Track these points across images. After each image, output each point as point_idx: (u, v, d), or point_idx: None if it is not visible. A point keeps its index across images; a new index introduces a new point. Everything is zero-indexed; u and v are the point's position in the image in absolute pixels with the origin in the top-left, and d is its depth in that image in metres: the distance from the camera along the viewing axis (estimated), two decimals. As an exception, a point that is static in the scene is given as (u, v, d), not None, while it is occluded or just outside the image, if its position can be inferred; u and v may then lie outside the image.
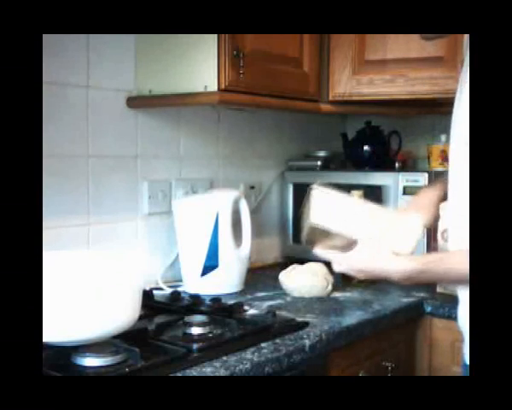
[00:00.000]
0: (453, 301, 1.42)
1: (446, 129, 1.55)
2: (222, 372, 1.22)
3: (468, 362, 1.33)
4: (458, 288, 1.33)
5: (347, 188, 1.98)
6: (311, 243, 1.43)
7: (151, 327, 1.42)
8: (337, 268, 1.37)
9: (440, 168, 2.11)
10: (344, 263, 1.35)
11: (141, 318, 1.33)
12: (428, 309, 1.80)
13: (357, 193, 1.85)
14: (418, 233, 1.34)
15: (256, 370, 1.28)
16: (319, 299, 1.79)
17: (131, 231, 1.89)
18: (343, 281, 1.97)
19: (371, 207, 1.40)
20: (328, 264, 1.86)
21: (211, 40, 1.64)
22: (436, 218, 1.46)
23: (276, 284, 1.88)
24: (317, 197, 1.38)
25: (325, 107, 2.03)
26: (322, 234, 1.36)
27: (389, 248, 1.30)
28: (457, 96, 1.45)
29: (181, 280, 1.90)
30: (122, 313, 1.24)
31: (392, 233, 1.33)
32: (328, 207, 1.38)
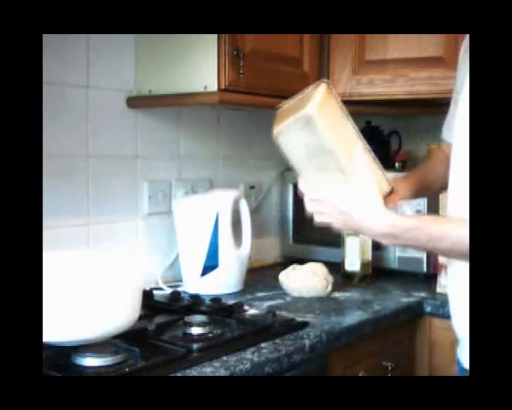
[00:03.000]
0: (449, 300, 1.42)
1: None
2: (222, 372, 1.22)
3: (462, 362, 1.33)
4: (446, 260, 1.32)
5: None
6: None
7: (151, 327, 1.42)
8: (308, 201, 1.26)
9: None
10: (320, 194, 1.25)
11: (141, 318, 1.33)
12: (428, 309, 1.80)
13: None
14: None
15: (256, 370, 1.28)
16: (319, 299, 1.79)
17: (131, 231, 1.89)
18: (343, 281, 1.97)
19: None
20: (327, 264, 1.87)
21: (211, 40, 1.64)
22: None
23: (276, 284, 1.88)
24: (325, 93, 1.25)
25: (325, 107, 2.03)
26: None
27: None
28: (455, 94, 1.46)
29: (181, 280, 1.90)
30: (122, 313, 1.24)
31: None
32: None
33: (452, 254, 1.25)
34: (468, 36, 1.36)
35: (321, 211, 1.25)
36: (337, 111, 1.30)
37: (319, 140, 1.24)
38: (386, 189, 1.29)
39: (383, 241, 1.26)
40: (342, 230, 1.34)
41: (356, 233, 1.36)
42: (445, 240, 1.21)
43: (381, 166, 1.32)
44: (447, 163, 1.37)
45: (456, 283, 1.33)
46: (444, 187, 1.40)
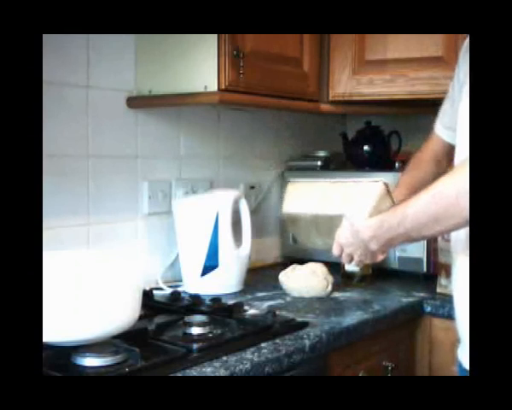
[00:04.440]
0: (453, 301, 1.41)
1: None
2: (222, 372, 1.22)
3: (462, 363, 1.33)
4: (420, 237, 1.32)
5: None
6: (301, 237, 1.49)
7: (151, 327, 1.42)
8: (335, 253, 1.39)
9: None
10: (336, 245, 1.37)
11: (141, 318, 1.33)
12: (428, 309, 1.80)
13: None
14: (373, 199, 1.33)
15: (256, 370, 1.28)
16: (319, 299, 1.79)
17: (131, 231, 1.89)
18: (343, 281, 1.97)
19: (345, 183, 1.43)
20: (327, 264, 1.87)
21: (211, 40, 1.64)
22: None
23: (276, 284, 1.88)
24: (288, 189, 1.46)
25: (325, 107, 2.03)
26: (307, 225, 1.42)
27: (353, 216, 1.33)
28: (451, 90, 1.46)
29: (181, 280, 1.90)
30: (122, 313, 1.24)
31: (353, 203, 1.35)
32: (300, 194, 1.44)
33: (427, 220, 1.22)
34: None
35: (347, 254, 1.38)
36: (302, 192, 1.48)
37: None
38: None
39: (375, 246, 1.31)
40: (366, 257, 1.39)
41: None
42: (409, 216, 1.23)
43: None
44: (435, 158, 1.40)
45: (459, 282, 1.33)
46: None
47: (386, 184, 1.38)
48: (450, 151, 1.46)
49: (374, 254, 1.35)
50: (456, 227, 1.22)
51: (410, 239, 1.31)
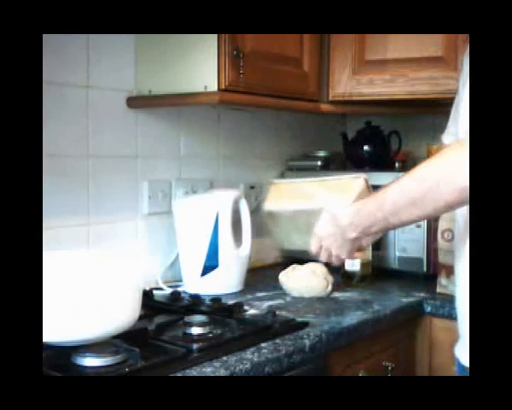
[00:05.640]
0: (453, 301, 1.42)
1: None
2: (222, 372, 1.22)
3: (461, 359, 1.33)
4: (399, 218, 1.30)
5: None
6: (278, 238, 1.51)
7: (151, 327, 1.42)
8: (313, 248, 1.38)
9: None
10: (314, 239, 1.37)
11: (141, 318, 1.33)
12: (428, 309, 1.80)
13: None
14: (352, 194, 1.35)
15: (256, 370, 1.28)
16: (319, 299, 1.79)
17: (131, 231, 1.89)
18: (343, 281, 1.97)
19: (326, 181, 1.45)
20: (327, 264, 1.87)
21: (211, 40, 1.64)
22: None
23: (276, 284, 1.88)
24: (270, 189, 1.49)
25: (325, 107, 2.03)
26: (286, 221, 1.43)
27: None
28: (457, 97, 1.46)
29: (181, 280, 1.90)
30: (122, 313, 1.24)
31: (332, 198, 1.37)
32: (281, 194, 1.47)
33: (406, 204, 1.22)
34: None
35: (324, 248, 1.38)
36: (284, 190, 1.51)
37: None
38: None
39: (353, 234, 1.31)
40: (343, 249, 1.38)
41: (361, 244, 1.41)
42: (387, 200, 1.24)
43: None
44: None
45: (461, 279, 1.33)
46: None
47: (366, 180, 1.39)
48: None
49: (351, 246, 1.34)
50: (435, 213, 1.21)
51: (390, 225, 1.30)
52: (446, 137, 1.54)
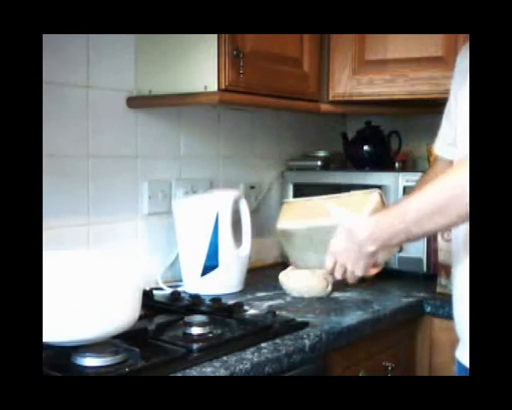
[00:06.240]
0: (452, 300, 1.42)
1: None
2: (222, 372, 1.22)
3: (462, 361, 1.33)
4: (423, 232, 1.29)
5: (347, 188, 1.99)
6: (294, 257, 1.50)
7: (151, 327, 1.42)
8: (328, 265, 1.37)
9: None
10: (329, 256, 1.36)
11: (141, 318, 1.33)
12: (428, 309, 1.80)
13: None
14: (368, 208, 1.35)
15: (256, 370, 1.28)
16: (319, 299, 1.79)
17: (131, 231, 1.89)
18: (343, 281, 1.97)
19: (339, 197, 1.45)
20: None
21: (211, 40, 1.64)
22: None
23: (276, 284, 1.88)
24: (283, 208, 1.48)
25: (325, 107, 2.03)
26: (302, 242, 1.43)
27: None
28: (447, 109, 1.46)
29: (181, 280, 1.90)
30: (122, 313, 1.24)
31: (350, 211, 1.36)
32: (294, 212, 1.46)
33: (429, 218, 1.21)
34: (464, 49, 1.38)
35: (340, 264, 1.36)
36: (296, 209, 1.51)
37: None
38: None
39: (372, 247, 1.29)
40: (359, 265, 1.36)
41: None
42: (410, 210, 1.22)
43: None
44: None
45: (459, 281, 1.33)
46: None
47: (380, 194, 1.38)
48: None
49: (367, 261, 1.32)
50: (458, 220, 1.20)
51: (411, 236, 1.27)
52: (438, 147, 1.54)
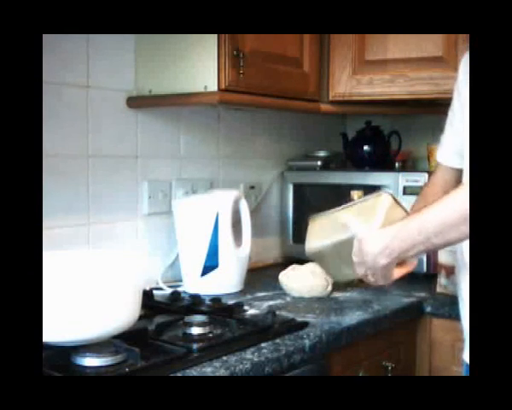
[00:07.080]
0: (453, 301, 1.42)
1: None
2: (222, 372, 1.22)
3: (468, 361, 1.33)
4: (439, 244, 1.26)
5: (347, 188, 1.99)
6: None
7: (151, 327, 1.42)
8: (360, 275, 1.36)
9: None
10: (356, 267, 1.35)
11: (141, 318, 1.33)
12: (428, 309, 1.80)
13: (357, 193, 1.87)
14: (382, 211, 1.34)
15: (256, 370, 1.28)
16: (319, 299, 1.79)
17: (131, 231, 1.89)
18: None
19: (354, 205, 1.45)
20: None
21: (211, 40, 1.64)
22: None
23: (276, 284, 1.88)
24: (308, 228, 1.49)
25: (325, 107, 2.03)
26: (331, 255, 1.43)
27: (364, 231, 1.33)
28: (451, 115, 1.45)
29: (181, 280, 1.90)
30: (122, 313, 1.24)
31: (364, 221, 1.36)
32: (317, 230, 1.47)
33: (448, 230, 1.19)
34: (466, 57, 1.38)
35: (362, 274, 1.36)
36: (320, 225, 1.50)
37: None
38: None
39: (385, 260, 1.28)
40: (377, 276, 1.35)
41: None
42: (431, 220, 1.19)
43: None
44: (443, 190, 1.38)
45: (465, 285, 1.32)
46: None
47: (391, 195, 1.37)
48: (458, 179, 1.43)
49: (384, 272, 1.31)
50: None
51: (431, 246, 1.24)
52: (441, 155, 1.53)
